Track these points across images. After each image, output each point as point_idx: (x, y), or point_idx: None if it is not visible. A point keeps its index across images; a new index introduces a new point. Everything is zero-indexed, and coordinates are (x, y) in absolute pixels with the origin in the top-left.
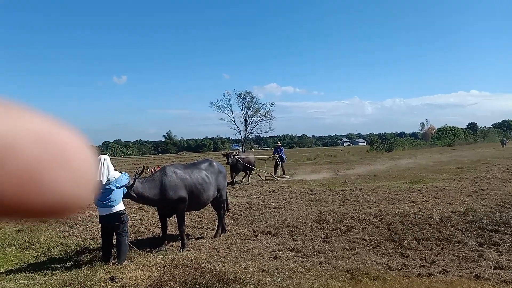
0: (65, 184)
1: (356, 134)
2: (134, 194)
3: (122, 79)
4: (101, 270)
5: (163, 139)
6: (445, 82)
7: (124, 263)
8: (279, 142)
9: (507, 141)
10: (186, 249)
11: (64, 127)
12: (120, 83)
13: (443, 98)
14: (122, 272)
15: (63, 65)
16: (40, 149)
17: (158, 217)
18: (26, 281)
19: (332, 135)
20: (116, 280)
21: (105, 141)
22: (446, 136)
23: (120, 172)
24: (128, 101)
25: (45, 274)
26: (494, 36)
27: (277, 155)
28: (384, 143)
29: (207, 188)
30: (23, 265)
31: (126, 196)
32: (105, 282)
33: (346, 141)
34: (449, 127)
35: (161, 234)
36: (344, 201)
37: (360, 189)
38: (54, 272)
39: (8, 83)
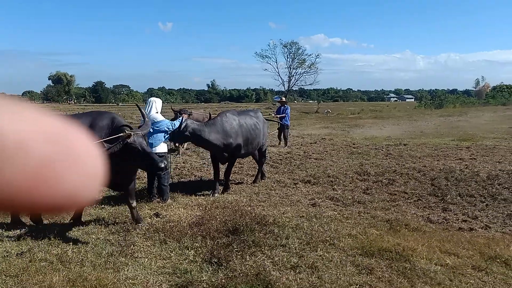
0: (74, 181)
1: (405, 90)
2: (189, 134)
3: (168, 26)
4: (146, 207)
5: (206, 88)
6: (506, 37)
7: (168, 202)
8: (283, 98)
9: None
10: (227, 191)
11: (73, 127)
12: (166, 30)
13: (503, 55)
14: (166, 210)
15: (109, 11)
16: (50, 148)
17: (199, 161)
18: None
19: (379, 90)
20: (161, 216)
21: (149, 88)
22: (501, 95)
23: (169, 120)
24: (173, 48)
25: (95, 207)
26: None
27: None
28: (434, 99)
29: (258, 135)
30: None
31: (184, 139)
32: (151, 217)
33: (393, 97)
34: (505, 85)
35: (202, 178)
36: (387, 156)
37: (404, 145)
38: (103, 206)
39: (59, 31)
